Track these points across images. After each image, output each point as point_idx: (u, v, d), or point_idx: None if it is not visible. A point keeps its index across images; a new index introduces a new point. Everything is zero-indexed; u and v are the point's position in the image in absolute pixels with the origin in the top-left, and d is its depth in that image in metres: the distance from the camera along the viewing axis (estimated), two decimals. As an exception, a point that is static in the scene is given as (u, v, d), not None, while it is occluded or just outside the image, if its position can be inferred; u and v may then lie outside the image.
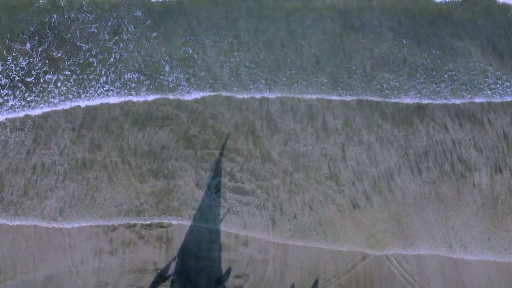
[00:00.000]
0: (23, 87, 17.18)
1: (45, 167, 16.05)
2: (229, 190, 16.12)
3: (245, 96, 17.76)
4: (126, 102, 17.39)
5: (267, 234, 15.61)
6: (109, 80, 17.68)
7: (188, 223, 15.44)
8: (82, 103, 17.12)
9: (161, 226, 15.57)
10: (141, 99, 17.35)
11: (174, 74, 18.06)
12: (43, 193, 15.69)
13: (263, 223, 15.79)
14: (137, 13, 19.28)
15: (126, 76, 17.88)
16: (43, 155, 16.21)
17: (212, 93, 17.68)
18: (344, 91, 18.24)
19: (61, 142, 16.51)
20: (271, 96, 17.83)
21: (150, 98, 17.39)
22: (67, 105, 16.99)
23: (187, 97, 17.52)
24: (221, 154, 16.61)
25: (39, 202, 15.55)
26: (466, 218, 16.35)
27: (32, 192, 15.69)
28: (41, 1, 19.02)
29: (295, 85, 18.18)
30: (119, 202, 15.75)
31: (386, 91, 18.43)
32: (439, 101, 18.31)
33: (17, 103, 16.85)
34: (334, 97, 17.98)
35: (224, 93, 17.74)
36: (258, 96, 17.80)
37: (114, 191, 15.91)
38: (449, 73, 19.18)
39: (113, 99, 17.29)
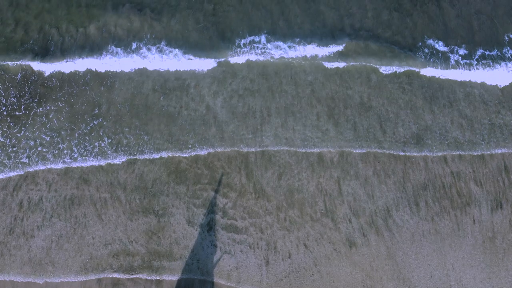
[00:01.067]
0: (11, 122, 16.84)
1: (32, 203, 15.62)
2: (222, 227, 15.63)
3: (248, 149, 17.01)
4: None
5: (260, 275, 15.08)
6: (101, 111, 17.32)
7: (177, 276, 14.86)
8: (82, 164, 16.39)
9: (151, 268, 15.07)
10: (144, 157, 16.53)
11: (168, 103, 17.75)
12: (29, 231, 15.22)
13: (257, 263, 15.26)
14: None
15: (119, 105, 17.55)
16: (30, 191, 15.79)
17: (207, 150, 16.89)
18: (339, 121, 17.87)
19: (49, 176, 16.10)
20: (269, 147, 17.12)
21: (154, 156, 16.62)
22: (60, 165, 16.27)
23: (186, 154, 16.85)
24: (214, 190, 16.17)
25: (25, 241, 15.08)
26: (465, 256, 15.83)
27: (19, 230, 15.23)
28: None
29: (289, 113, 17.84)
30: (108, 241, 15.27)
31: (383, 121, 18.06)
32: (438, 153, 17.66)
33: (6, 141, 16.48)
34: (331, 147, 17.26)
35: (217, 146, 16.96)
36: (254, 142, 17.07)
37: (103, 229, 15.44)
38: (448, 99, 18.89)
39: (114, 159, 16.47)
